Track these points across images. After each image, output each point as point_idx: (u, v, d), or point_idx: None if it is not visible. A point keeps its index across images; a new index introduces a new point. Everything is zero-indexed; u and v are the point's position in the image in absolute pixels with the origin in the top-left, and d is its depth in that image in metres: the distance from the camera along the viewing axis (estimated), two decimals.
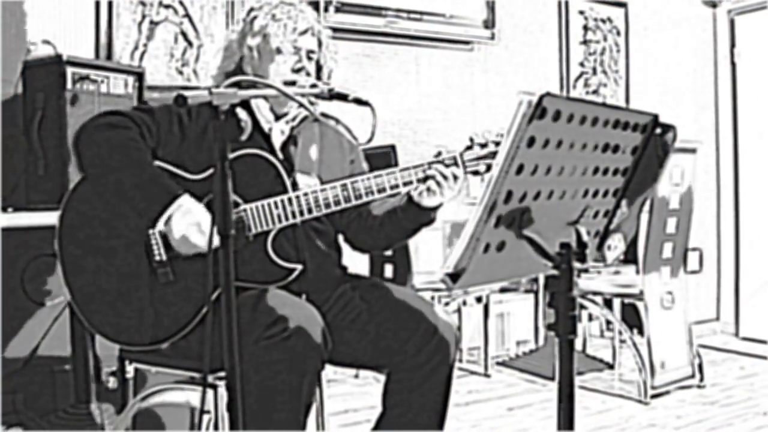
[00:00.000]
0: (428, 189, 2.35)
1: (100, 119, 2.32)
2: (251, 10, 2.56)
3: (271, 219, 2.32)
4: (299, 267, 2.37)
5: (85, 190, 2.36)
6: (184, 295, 2.29)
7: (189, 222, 2.20)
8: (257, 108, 2.49)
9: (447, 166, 2.36)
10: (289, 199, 2.33)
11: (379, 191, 2.35)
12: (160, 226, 2.22)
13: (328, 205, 2.34)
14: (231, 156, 2.25)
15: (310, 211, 2.33)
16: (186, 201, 2.21)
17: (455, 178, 2.36)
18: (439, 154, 2.39)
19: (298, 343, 2.12)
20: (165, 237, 2.28)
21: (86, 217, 2.36)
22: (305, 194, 2.33)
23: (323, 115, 2.62)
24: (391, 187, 2.36)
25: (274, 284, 2.34)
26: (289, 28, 2.47)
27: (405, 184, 2.36)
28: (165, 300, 2.30)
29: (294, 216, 2.33)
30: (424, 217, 2.45)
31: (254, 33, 2.49)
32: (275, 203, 2.32)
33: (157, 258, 2.29)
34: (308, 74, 2.48)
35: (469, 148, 2.39)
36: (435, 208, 2.43)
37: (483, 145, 2.37)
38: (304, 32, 2.49)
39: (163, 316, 2.30)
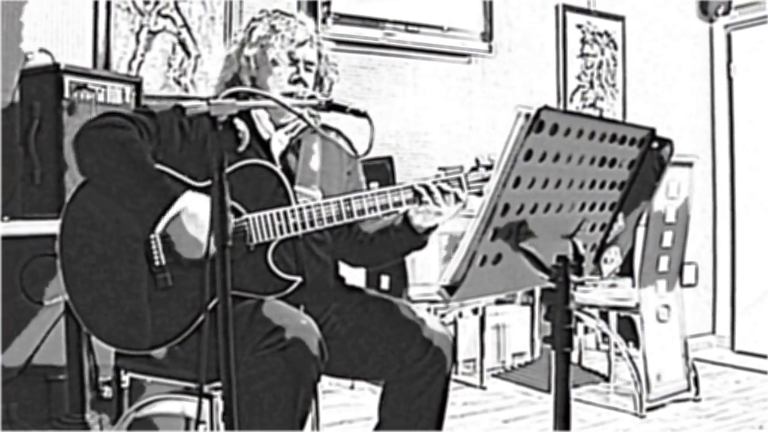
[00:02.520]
0: (426, 207, 2.35)
1: (100, 119, 2.31)
2: (252, 20, 2.57)
3: (272, 230, 2.32)
4: (298, 279, 2.37)
5: (87, 193, 2.35)
6: (182, 301, 2.28)
7: (196, 224, 2.18)
8: (257, 118, 2.49)
9: (451, 185, 2.37)
10: (292, 211, 2.32)
11: (382, 207, 2.36)
12: (160, 228, 2.20)
13: (330, 219, 2.34)
14: (236, 165, 2.28)
15: (312, 224, 2.33)
16: (189, 202, 2.19)
17: (457, 199, 2.36)
18: (440, 172, 2.39)
19: (294, 354, 2.11)
20: (165, 241, 2.27)
21: (87, 220, 2.34)
22: (308, 207, 2.34)
23: (324, 126, 2.62)
24: (394, 204, 2.36)
25: (273, 295, 2.33)
26: (287, 39, 2.48)
27: (407, 201, 2.36)
28: (162, 305, 2.29)
29: (296, 228, 2.33)
30: (417, 240, 2.47)
31: (252, 44, 2.51)
32: (277, 214, 2.32)
33: (157, 263, 2.28)
34: (306, 85, 2.48)
35: (474, 169, 2.39)
36: (428, 231, 2.44)
37: (488, 167, 2.37)
38: (303, 43, 2.50)
39: (159, 322, 2.29)
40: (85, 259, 2.34)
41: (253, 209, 2.32)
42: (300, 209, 2.33)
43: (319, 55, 2.56)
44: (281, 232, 2.33)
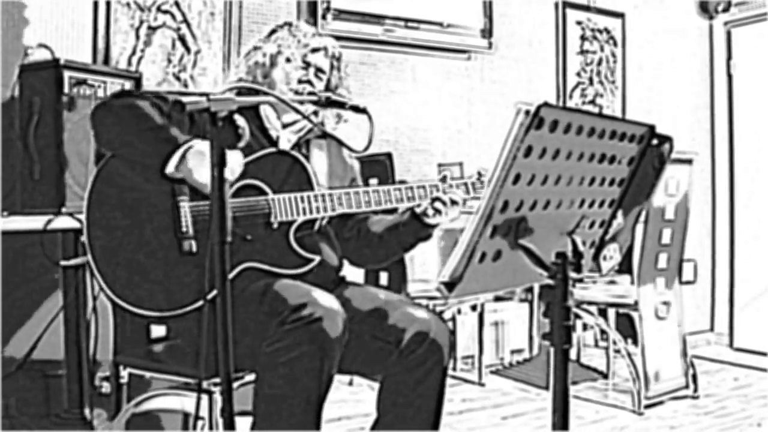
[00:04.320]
0: (435, 209, 2.48)
1: (113, 95, 2.45)
2: (274, 29, 2.69)
3: (296, 210, 2.42)
4: (318, 258, 2.46)
5: (113, 162, 2.40)
6: (200, 271, 2.29)
7: (205, 158, 2.22)
8: (265, 117, 2.57)
9: (458, 188, 2.50)
10: (315, 196, 2.43)
11: (398, 201, 2.49)
12: (170, 168, 2.24)
13: (350, 206, 2.46)
14: (262, 153, 2.46)
15: (333, 209, 2.45)
16: (195, 142, 2.25)
17: (464, 202, 2.50)
18: (444, 178, 2.50)
19: (322, 329, 2.16)
20: (194, 208, 2.34)
21: (116, 182, 2.39)
22: (330, 195, 2.45)
23: (327, 135, 2.66)
24: (408, 199, 2.50)
25: (292, 271, 2.41)
26: (302, 43, 2.60)
27: (420, 197, 2.50)
28: (186, 271, 2.33)
29: (318, 211, 2.44)
30: (425, 232, 2.57)
31: (270, 42, 2.62)
32: (301, 197, 2.43)
33: (183, 229, 2.33)
34: (314, 88, 2.57)
35: (479, 180, 2.52)
36: (436, 224, 2.55)
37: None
38: (317, 50, 2.61)
39: (179, 287, 2.33)
40: (111, 222, 2.37)
41: (278, 191, 2.44)
42: (323, 195, 2.45)
43: (332, 67, 2.66)
44: (304, 213, 2.43)
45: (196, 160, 2.23)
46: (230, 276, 2.09)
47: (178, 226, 2.33)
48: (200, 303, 2.30)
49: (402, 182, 2.64)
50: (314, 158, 2.62)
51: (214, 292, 1.89)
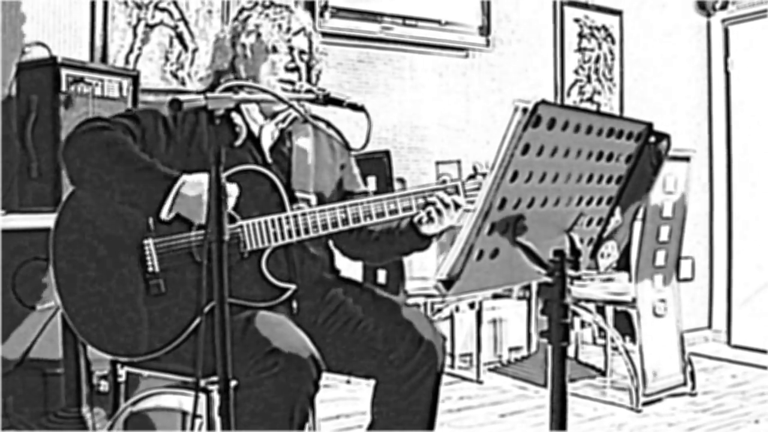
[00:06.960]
0: (428, 215, 2.36)
1: (82, 126, 2.28)
2: (242, 9, 2.55)
3: (266, 237, 2.30)
4: (292, 287, 2.36)
5: (81, 196, 2.34)
6: (176, 307, 2.27)
7: (202, 190, 2.14)
8: (246, 110, 2.46)
9: (449, 194, 2.38)
10: (287, 218, 2.31)
11: (378, 215, 2.36)
12: (166, 210, 2.16)
13: (325, 227, 2.33)
14: (230, 171, 2.24)
15: (306, 231, 2.32)
16: (186, 178, 2.16)
17: (457, 206, 2.37)
18: (443, 182, 2.40)
19: (289, 377, 2.11)
20: (159, 246, 2.27)
21: (81, 224, 2.33)
22: (303, 214, 2.32)
23: (313, 117, 2.60)
24: (390, 212, 2.36)
25: (267, 303, 2.32)
26: (284, 28, 2.47)
27: (405, 209, 2.37)
28: (156, 312, 2.28)
29: (290, 235, 2.31)
30: (421, 242, 2.46)
31: (248, 32, 2.48)
32: (272, 221, 2.30)
33: (150, 269, 2.27)
34: (300, 75, 2.47)
35: (472, 176, 2.40)
36: (434, 235, 2.44)
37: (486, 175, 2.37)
38: (298, 32, 2.49)
39: (153, 328, 2.28)
40: (79, 264, 2.32)
41: (247, 215, 2.30)
42: (295, 216, 2.31)
43: (310, 45, 2.54)
44: (275, 239, 2.31)
45: (195, 193, 2.15)
46: (206, 310, 2.07)
47: (144, 266, 2.27)
48: (182, 338, 2.26)
49: (400, 180, 2.57)
50: (298, 152, 2.52)
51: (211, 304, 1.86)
